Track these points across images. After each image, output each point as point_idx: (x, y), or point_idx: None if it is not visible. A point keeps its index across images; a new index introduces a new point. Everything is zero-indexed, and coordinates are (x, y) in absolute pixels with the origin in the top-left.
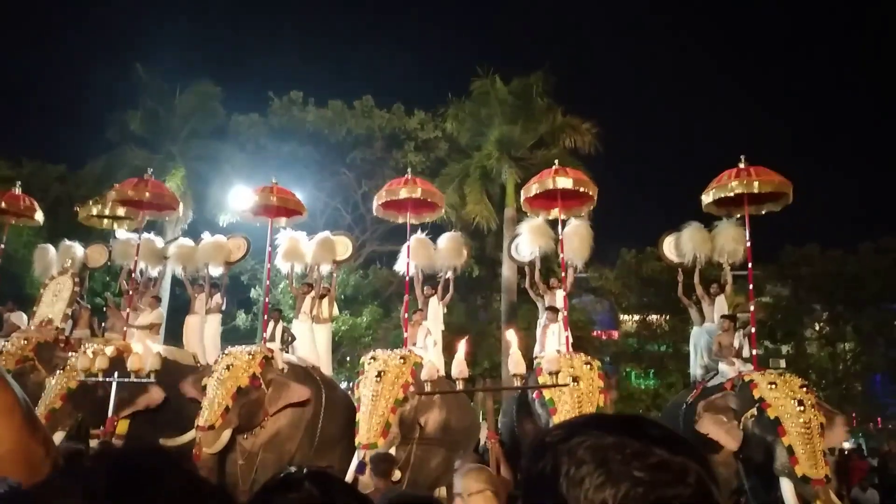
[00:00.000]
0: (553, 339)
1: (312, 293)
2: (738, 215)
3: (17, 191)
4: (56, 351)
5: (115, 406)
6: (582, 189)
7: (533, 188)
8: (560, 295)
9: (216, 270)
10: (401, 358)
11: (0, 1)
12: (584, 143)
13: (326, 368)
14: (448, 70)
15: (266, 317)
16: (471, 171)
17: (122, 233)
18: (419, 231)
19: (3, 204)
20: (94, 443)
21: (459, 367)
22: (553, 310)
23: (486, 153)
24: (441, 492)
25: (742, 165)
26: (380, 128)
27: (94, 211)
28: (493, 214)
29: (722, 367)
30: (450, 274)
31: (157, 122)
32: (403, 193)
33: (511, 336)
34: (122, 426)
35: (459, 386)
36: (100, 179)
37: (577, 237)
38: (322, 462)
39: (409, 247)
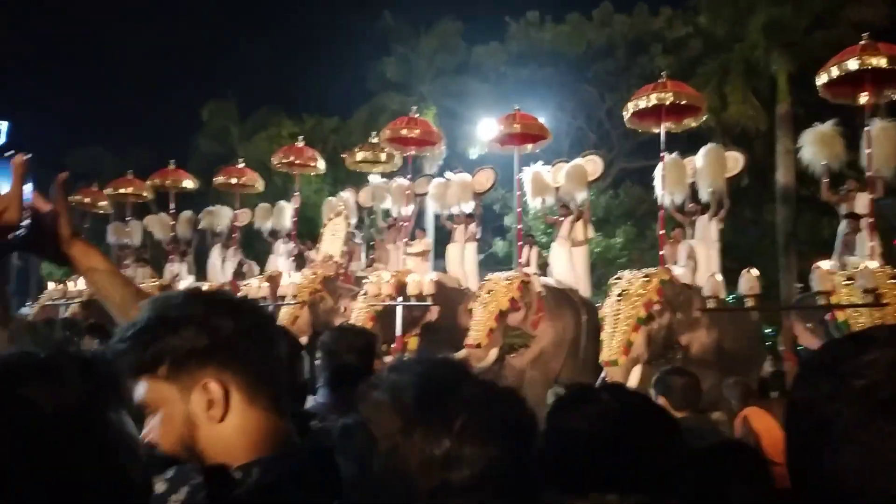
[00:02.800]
0: (859, 249)
1: (571, 216)
2: None
3: (301, 144)
4: (337, 282)
5: (402, 326)
6: None
7: (832, 72)
8: (864, 199)
9: (467, 206)
10: (645, 276)
11: None
12: (875, 15)
13: (585, 290)
14: None
15: (520, 243)
16: (732, 67)
17: (374, 178)
18: (669, 156)
19: (293, 157)
20: (388, 359)
21: (749, 283)
22: (853, 216)
23: (750, 43)
24: (717, 415)
25: None
26: (622, 34)
27: (360, 157)
28: (761, 114)
29: None
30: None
31: (407, 66)
32: (654, 100)
33: None
34: (413, 343)
35: (749, 304)
36: (366, 126)
37: (887, 140)
38: (587, 381)
39: (661, 173)
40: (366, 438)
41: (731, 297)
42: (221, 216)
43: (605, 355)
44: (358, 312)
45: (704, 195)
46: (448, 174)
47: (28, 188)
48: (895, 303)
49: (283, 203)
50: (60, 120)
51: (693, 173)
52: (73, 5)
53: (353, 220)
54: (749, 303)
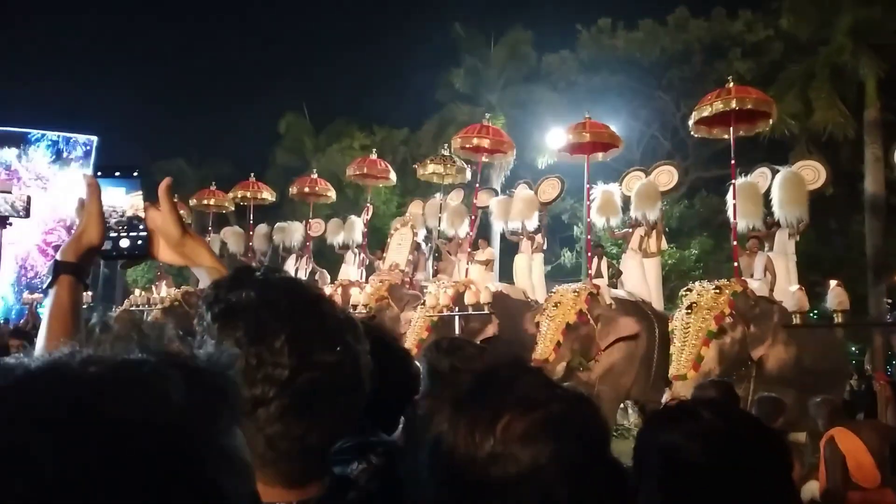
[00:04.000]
0: None
1: (641, 228)
2: None
3: (374, 156)
4: (403, 290)
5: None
6: None
7: None
8: None
9: (531, 223)
10: (716, 288)
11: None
12: None
13: (657, 303)
14: None
15: (589, 254)
16: (817, 71)
17: (432, 201)
18: (740, 174)
19: (366, 169)
20: None
21: (839, 297)
22: None
23: (837, 46)
24: (799, 437)
25: None
26: (698, 39)
27: (430, 168)
28: (849, 120)
29: None
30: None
31: (477, 77)
32: (720, 106)
33: None
34: None
35: (838, 319)
36: (435, 137)
37: None
38: (660, 397)
39: (732, 200)
40: (421, 426)
41: (813, 311)
42: (293, 231)
43: (673, 370)
44: (415, 322)
45: (782, 220)
46: (512, 191)
47: (137, 199)
48: None
49: (353, 218)
50: (144, 134)
51: (768, 189)
52: (156, 25)
53: (420, 231)
54: (838, 318)
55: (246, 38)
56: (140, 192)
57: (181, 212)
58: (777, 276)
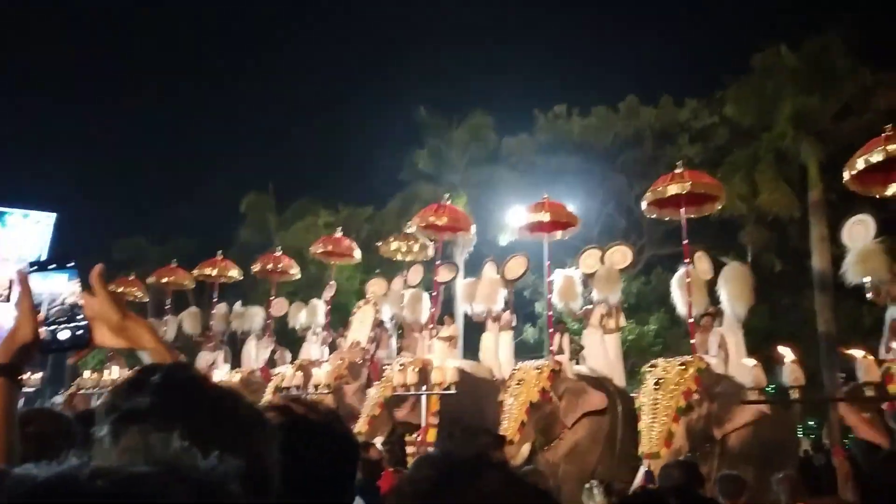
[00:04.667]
0: None
1: (602, 305)
2: None
3: (339, 234)
4: (363, 367)
5: (425, 416)
6: None
7: (858, 163)
8: None
9: (497, 305)
10: (681, 364)
11: (314, 77)
12: None
13: (619, 379)
14: (717, 53)
15: (551, 330)
16: (761, 156)
17: (395, 283)
18: (691, 257)
19: (331, 246)
20: (410, 449)
21: (794, 373)
22: None
23: (779, 133)
24: None
25: None
26: (648, 125)
27: (393, 246)
28: (794, 201)
29: None
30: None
31: (440, 157)
32: (673, 190)
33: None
34: (431, 434)
35: (795, 395)
36: (398, 215)
37: None
38: (625, 475)
39: (685, 273)
40: None
41: (770, 386)
42: (253, 316)
43: (645, 447)
44: (370, 400)
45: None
46: (478, 275)
47: (75, 286)
48: None
49: (315, 301)
50: (104, 211)
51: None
52: (117, 101)
53: (384, 308)
54: (794, 394)
55: (209, 115)
56: (77, 280)
57: (134, 291)
58: (729, 351)
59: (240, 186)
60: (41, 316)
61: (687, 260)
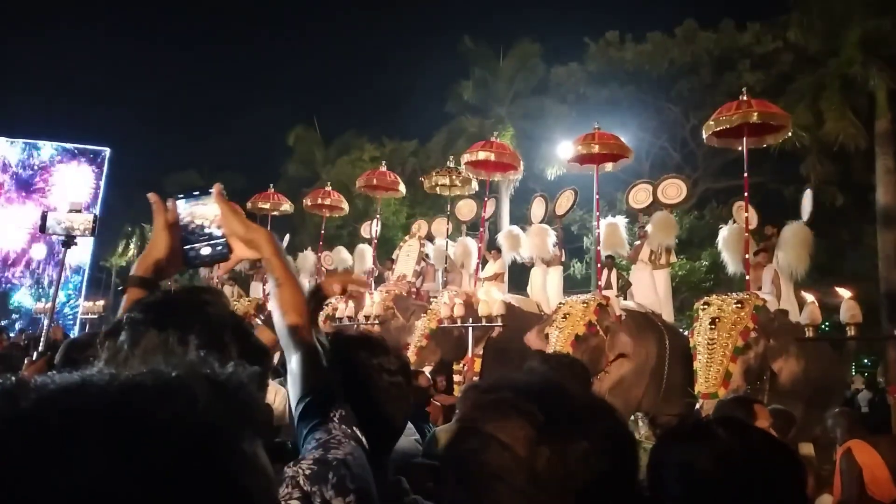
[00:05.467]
0: None
1: (651, 241)
2: None
3: (383, 168)
4: (409, 300)
5: (473, 347)
6: None
7: None
8: None
9: (546, 250)
10: (737, 302)
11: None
12: None
13: (668, 315)
14: None
15: (599, 265)
16: (827, 83)
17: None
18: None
19: (375, 181)
20: (456, 377)
21: (851, 310)
22: None
23: (847, 58)
24: (807, 448)
25: None
26: (707, 51)
27: (437, 181)
28: (860, 131)
29: None
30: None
31: (486, 89)
32: (737, 119)
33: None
34: (477, 365)
35: (851, 332)
36: (444, 149)
37: None
38: (671, 410)
39: (745, 204)
40: (496, 447)
41: (824, 324)
42: (305, 260)
43: (702, 387)
44: (417, 331)
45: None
46: (520, 229)
47: (215, 208)
48: None
49: (362, 247)
50: (156, 147)
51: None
52: (169, 41)
53: (429, 246)
54: (851, 331)
55: (256, 52)
56: (215, 204)
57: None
58: (781, 288)
59: (288, 122)
60: (185, 238)
61: (746, 193)
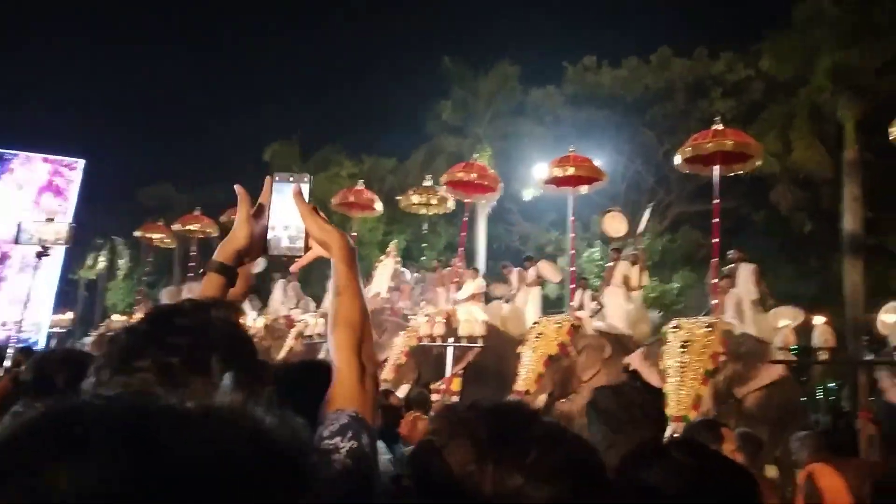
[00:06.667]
0: None
1: (623, 262)
2: None
3: (360, 186)
4: (382, 317)
5: (452, 366)
6: None
7: None
8: None
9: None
10: (707, 326)
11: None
12: None
13: (641, 336)
14: (756, 2)
15: (573, 286)
16: (797, 112)
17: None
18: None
19: (352, 198)
20: (434, 396)
21: (824, 335)
22: None
23: (816, 87)
24: (771, 471)
25: None
26: (680, 78)
27: (414, 199)
28: (828, 160)
29: None
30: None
31: (464, 109)
32: (711, 147)
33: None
34: (456, 384)
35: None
36: (422, 168)
37: None
38: (644, 433)
39: (715, 230)
40: (441, 465)
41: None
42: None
43: (672, 410)
44: (396, 348)
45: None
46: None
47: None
48: None
49: None
50: (133, 158)
51: None
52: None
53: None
54: (822, 356)
55: (236, 65)
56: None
57: (163, 238)
58: (744, 313)
59: (265, 135)
60: (270, 224)
61: (716, 219)
